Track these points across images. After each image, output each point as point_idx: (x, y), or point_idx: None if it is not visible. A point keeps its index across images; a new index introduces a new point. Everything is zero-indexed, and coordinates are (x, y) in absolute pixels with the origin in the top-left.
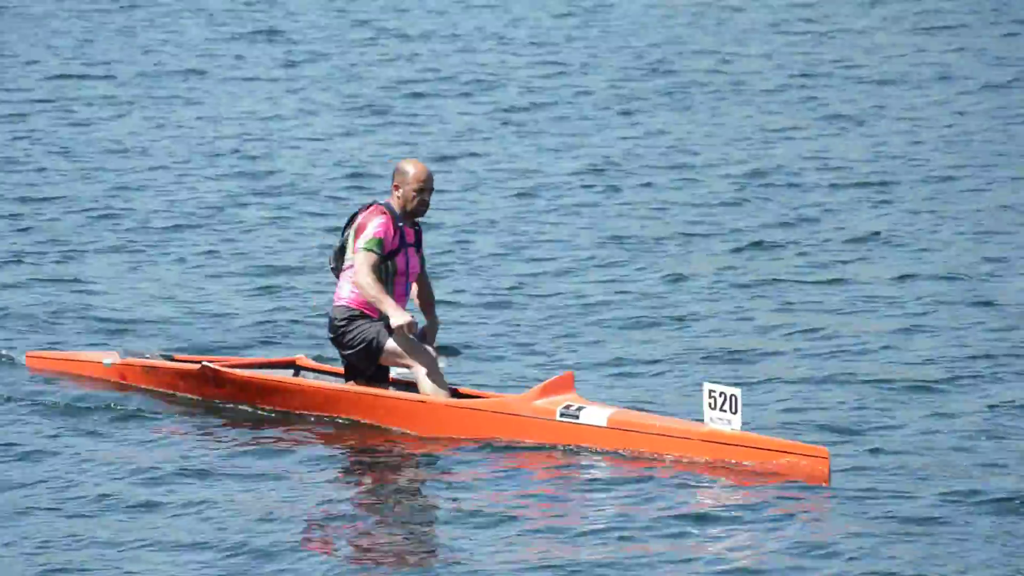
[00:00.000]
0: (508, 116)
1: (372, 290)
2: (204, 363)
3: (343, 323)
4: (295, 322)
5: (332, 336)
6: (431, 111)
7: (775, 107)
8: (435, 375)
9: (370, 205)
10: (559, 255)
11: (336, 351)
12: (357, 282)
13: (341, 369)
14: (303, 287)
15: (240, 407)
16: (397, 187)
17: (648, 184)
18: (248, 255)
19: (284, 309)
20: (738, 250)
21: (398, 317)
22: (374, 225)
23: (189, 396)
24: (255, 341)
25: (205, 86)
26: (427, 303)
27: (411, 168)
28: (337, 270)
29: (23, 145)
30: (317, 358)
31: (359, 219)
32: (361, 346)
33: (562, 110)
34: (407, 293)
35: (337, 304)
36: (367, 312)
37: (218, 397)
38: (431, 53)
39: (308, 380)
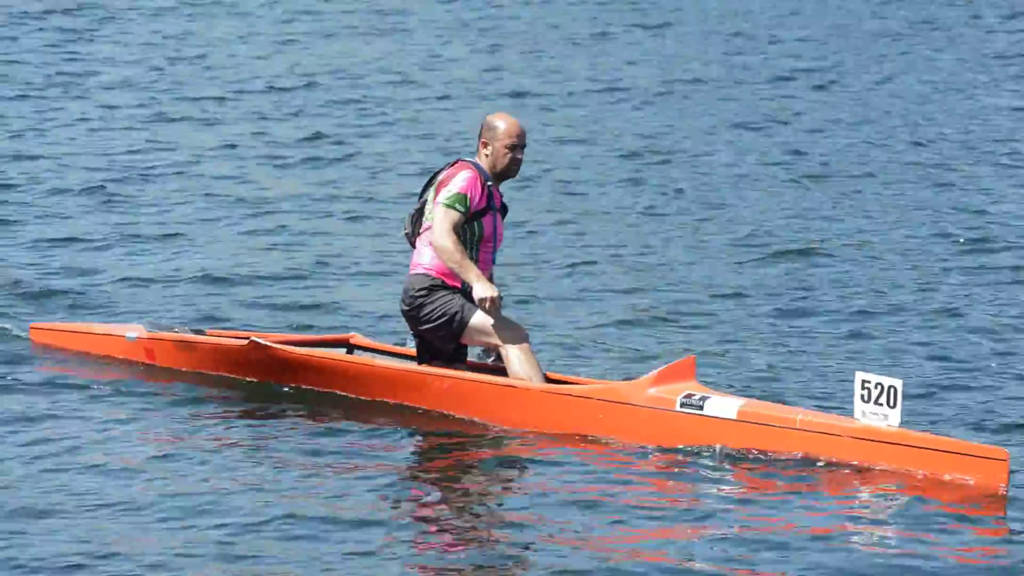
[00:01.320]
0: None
1: (452, 253)
2: (253, 339)
3: (422, 293)
4: (334, 299)
5: (407, 308)
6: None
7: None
8: (528, 357)
9: (455, 162)
10: (660, 221)
11: (407, 326)
12: (435, 243)
13: (399, 348)
14: (342, 260)
15: (292, 390)
16: (486, 144)
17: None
18: (280, 224)
19: (320, 284)
20: (880, 218)
21: (483, 288)
22: (460, 179)
23: (231, 376)
24: (288, 317)
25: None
26: None
27: (502, 123)
28: (413, 236)
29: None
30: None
31: (441, 176)
32: (442, 320)
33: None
34: (493, 262)
35: (415, 272)
36: (450, 282)
37: (266, 378)
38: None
39: (378, 360)
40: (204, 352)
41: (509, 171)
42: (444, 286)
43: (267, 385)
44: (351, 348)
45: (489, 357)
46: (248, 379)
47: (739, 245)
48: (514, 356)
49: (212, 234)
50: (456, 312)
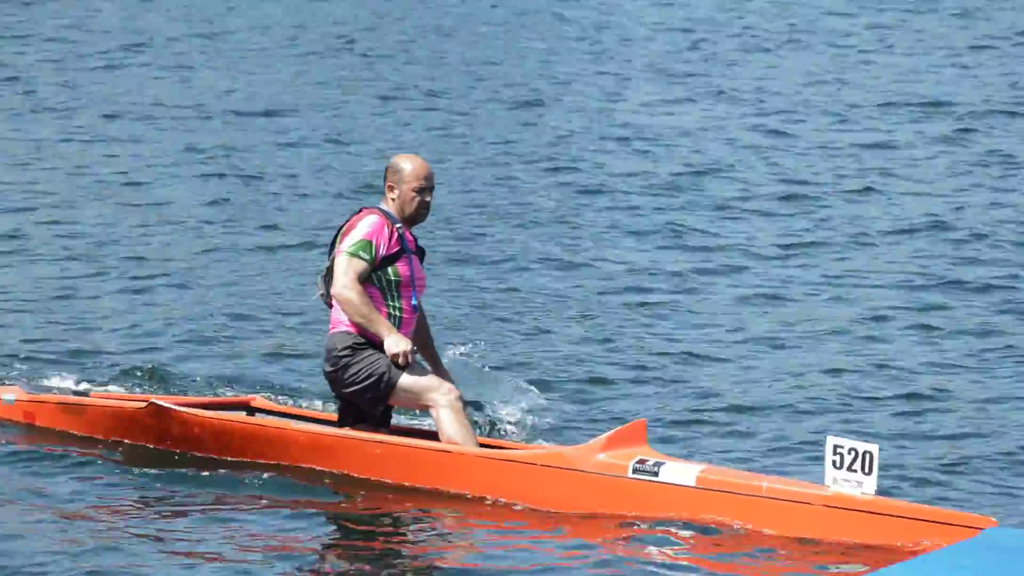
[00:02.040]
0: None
1: (357, 305)
2: (153, 401)
3: (345, 353)
4: (218, 355)
5: (330, 369)
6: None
7: None
8: (461, 419)
9: (359, 211)
10: (602, 265)
11: (329, 386)
12: (337, 295)
13: (304, 411)
14: (226, 313)
15: (191, 456)
16: (392, 187)
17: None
18: (153, 272)
19: (201, 340)
20: (844, 265)
21: (394, 342)
22: (364, 226)
23: (121, 441)
24: (167, 375)
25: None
26: (424, 341)
27: (407, 164)
28: (328, 296)
29: None
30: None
31: (345, 227)
32: (368, 381)
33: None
34: (416, 309)
35: (336, 330)
36: (374, 338)
37: (165, 444)
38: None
39: (296, 424)
40: (95, 415)
41: (418, 215)
42: (368, 344)
43: (166, 451)
44: (252, 410)
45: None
46: (144, 444)
47: (689, 295)
48: (446, 418)
49: (82, 287)
50: (383, 372)
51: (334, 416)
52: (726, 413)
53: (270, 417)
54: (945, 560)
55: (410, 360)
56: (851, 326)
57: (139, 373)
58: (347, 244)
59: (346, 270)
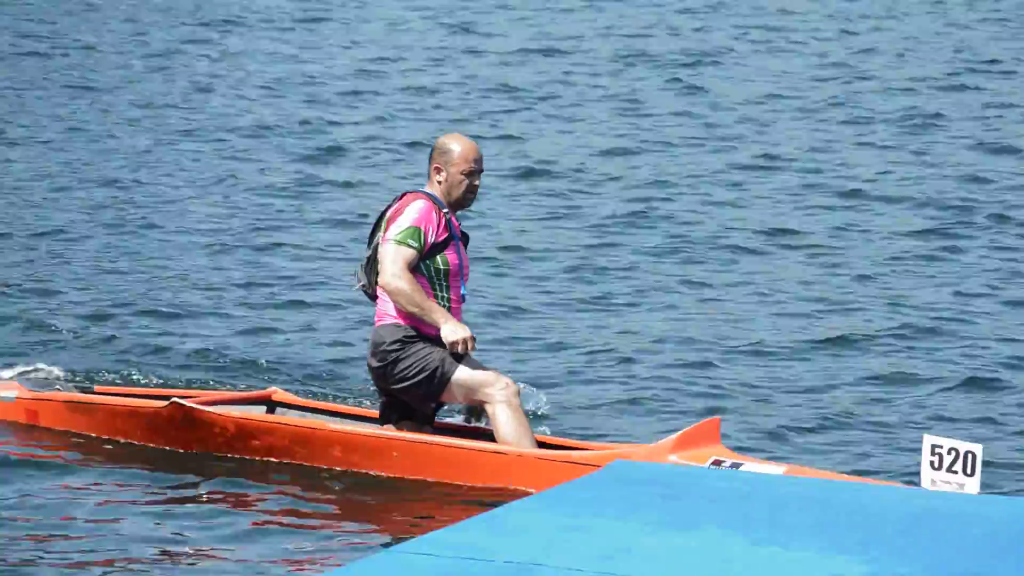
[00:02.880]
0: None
1: (409, 294)
2: (175, 400)
3: (395, 347)
4: (217, 347)
5: (378, 364)
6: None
7: None
8: (519, 416)
9: (403, 195)
10: (649, 259)
11: (374, 382)
12: (386, 285)
13: (325, 404)
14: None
15: (216, 458)
16: (439, 169)
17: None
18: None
19: (202, 329)
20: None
21: (452, 329)
22: (412, 212)
23: (136, 443)
24: (169, 365)
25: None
26: None
27: (456, 145)
28: (371, 286)
29: None
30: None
31: (389, 213)
32: (420, 376)
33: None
34: (464, 299)
35: (383, 323)
36: (425, 331)
37: (182, 445)
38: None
39: (336, 424)
40: (106, 414)
41: (465, 200)
42: (419, 337)
43: (186, 451)
44: (272, 405)
45: (481, 419)
46: (161, 445)
47: (763, 284)
48: (502, 414)
49: (68, 270)
50: (437, 367)
51: (363, 411)
52: (805, 407)
53: (300, 414)
54: (566, 493)
55: (470, 347)
56: (936, 322)
57: (137, 358)
58: (394, 231)
59: (395, 259)
